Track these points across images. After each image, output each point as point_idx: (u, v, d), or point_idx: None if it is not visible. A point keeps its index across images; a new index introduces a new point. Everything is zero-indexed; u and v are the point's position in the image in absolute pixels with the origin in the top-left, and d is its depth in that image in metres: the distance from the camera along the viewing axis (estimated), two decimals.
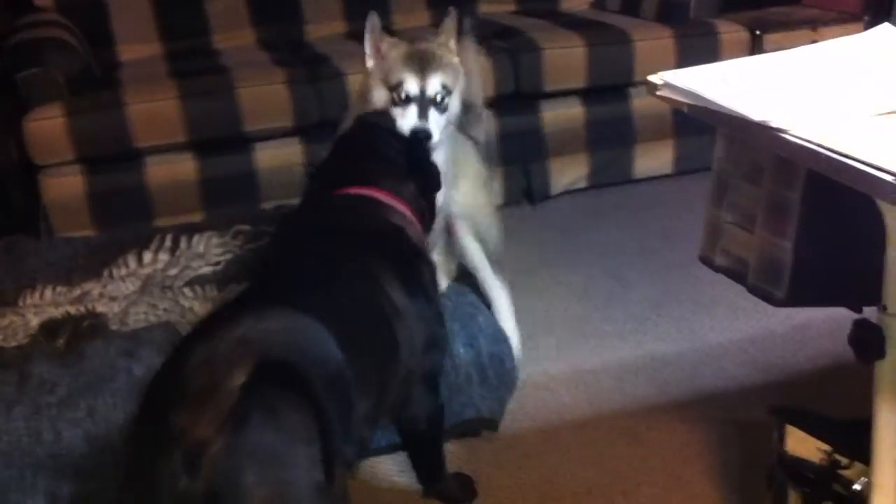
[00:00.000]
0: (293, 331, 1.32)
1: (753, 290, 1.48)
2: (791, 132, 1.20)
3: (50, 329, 2.24)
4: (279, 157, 3.23)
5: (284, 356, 1.25)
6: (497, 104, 3.42)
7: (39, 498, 1.88)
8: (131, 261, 2.54)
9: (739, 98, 1.29)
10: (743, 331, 2.62)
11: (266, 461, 1.19)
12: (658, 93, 1.38)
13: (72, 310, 2.32)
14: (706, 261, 1.62)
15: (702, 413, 2.26)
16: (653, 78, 1.42)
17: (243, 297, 1.56)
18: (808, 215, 1.43)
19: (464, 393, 2.16)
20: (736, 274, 1.53)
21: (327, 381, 1.29)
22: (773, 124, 1.21)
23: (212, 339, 1.21)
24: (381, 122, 2.03)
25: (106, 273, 2.49)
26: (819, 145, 1.15)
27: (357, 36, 3.61)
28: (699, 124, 3.92)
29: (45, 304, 2.37)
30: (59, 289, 2.47)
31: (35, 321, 2.29)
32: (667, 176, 3.71)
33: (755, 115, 1.23)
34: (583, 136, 3.56)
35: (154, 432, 1.19)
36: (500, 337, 2.21)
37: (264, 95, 3.16)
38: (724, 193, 1.56)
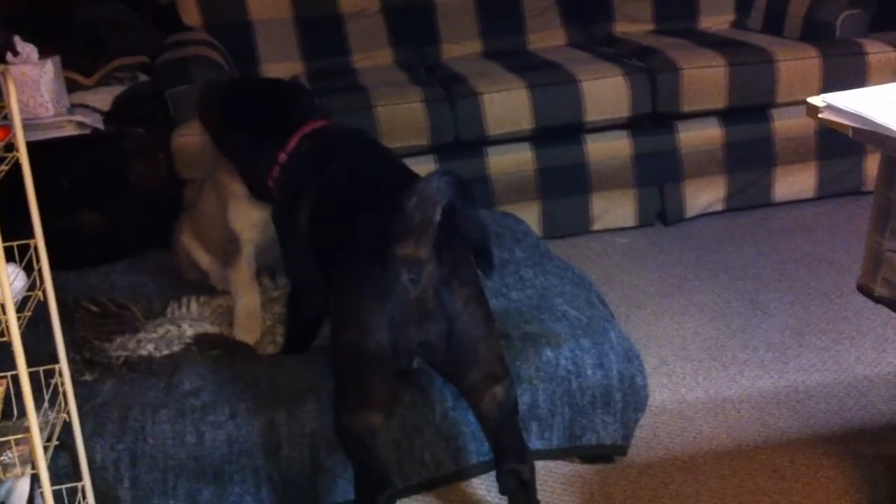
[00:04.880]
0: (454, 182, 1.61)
1: None
2: None
3: (206, 341, 2.32)
4: None
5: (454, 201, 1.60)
6: (633, 124, 3.39)
7: (180, 500, 1.93)
8: (267, 282, 2.60)
9: None
10: (892, 364, 2.50)
11: (460, 272, 1.70)
12: (821, 115, 1.33)
13: (225, 331, 2.40)
14: (865, 290, 1.55)
15: (848, 448, 2.17)
16: (813, 100, 1.37)
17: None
18: None
19: (585, 416, 2.12)
20: None
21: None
22: None
23: (413, 188, 1.56)
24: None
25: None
26: None
27: (494, 56, 3.68)
28: (843, 147, 3.75)
29: (198, 319, 2.45)
30: (202, 298, 2.56)
31: (190, 332, 2.38)
32: (809, 200, 3.59)
33: None
34: (720, 158, 3.48)
35: (384, 260, 1.60)
36: (632, 353, 2.16)
37: (401, 114, 3.20)
38: (885, 220, 1.49)
